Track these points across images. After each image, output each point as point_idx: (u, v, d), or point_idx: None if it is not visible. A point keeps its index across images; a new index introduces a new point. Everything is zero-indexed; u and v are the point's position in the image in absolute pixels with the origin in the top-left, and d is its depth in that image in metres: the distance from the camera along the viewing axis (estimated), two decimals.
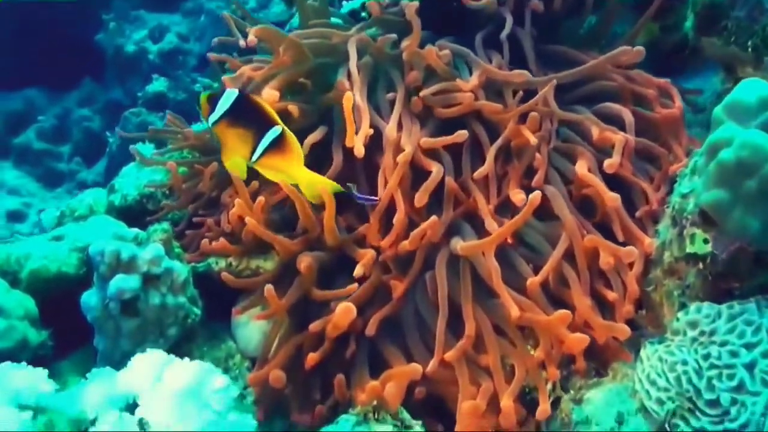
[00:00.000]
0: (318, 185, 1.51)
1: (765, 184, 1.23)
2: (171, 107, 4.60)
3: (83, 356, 1.64)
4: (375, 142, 1.68)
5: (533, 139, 1.61)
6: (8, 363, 1.24)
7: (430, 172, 1.62)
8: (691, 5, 1.88)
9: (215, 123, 1.45)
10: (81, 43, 5.00)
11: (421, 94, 1.71)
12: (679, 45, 2.14)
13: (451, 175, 1.67)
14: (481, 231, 1.63)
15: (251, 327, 1.63)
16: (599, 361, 1.49)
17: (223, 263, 1.67)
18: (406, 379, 1.41)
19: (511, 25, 1.82)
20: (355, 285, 1.53)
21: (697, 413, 1.27)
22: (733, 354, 1.26)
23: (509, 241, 1.60)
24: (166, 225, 1.62)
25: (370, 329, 1.52)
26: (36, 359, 1.39)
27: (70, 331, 1.63)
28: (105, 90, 5.27)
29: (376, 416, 1.34)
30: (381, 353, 1.56)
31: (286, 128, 1.46)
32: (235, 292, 1.65)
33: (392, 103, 1.73)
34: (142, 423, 1.15)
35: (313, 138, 1.71)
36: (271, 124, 1.45)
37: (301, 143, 1.66)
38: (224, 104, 1.44)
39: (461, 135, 1.62)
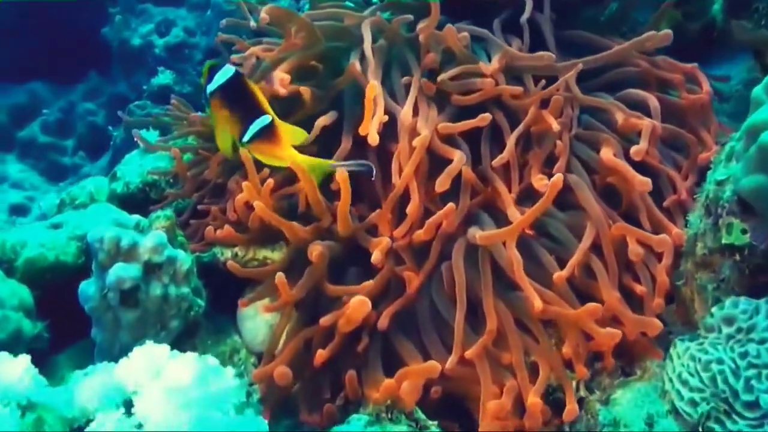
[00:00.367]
0: (311, 166, 1.49)
1: None
2: None
3: (81, 349, 1.57)
4: (389, 129, 1.60)
5: (556, 125, 1.53)
6: None
7: (447, 160, 1.54)
8: None
9: (210, 95, 1.47)
10: (87, 37, 4.97)
11: (440, 78, 1.62)
12: (702, 32, 2.07)
13: (469, 163, 1.59)
14: (499, 220, 1.55)
15: (258, 320, 1.56)
16: (626, 358, 1.41)
17: (228, 253, 1.60)
18: (423, 377, 1.33)
19: (531, 9, 1.74)
20: (370, 282, 1.45)
21: (734, 416, 1.19)
22: None
23: (529, 232, 1.52)
24: (169, 212, 1.54)
25: (383, 323, 1.44)
26: (31, 353, 1.31)
27: (68, 323, 1.55)
28: (111, 84, 5.23)
29: (390, 416, 1.27)
30: (395, 348, 1.48)
31: (275, 117, 1.47)
32: (242, 283, 1.57)
33: (407, 87, 1.65)
34: (140, 425, 1.06)
35: (323, 121, 1.63)
36: (260, 111, 1.47)
37: (311, 129, 1.59)
38: (220, 79, 1.47)
39: (484, 118, 1.54)
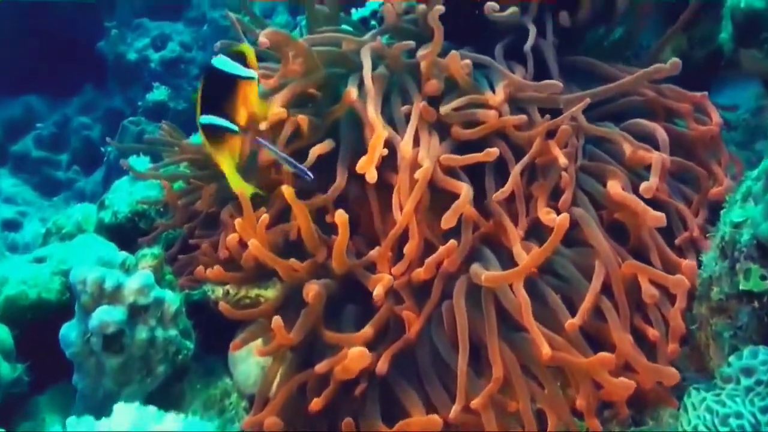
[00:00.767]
0: (233, 185, 1.44)
1: None
2: (171, 117, 4.52)
3: (63, 391, 1.50)
4: (388, 158, 1.53)
5: (563, 159, 1.46)
6: None
7: (448, 192, 1.48)
8: (729, 14, 1.74)
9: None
10: (83, 50, 4.96)
11: (443, 111, 1.56)
12: (709, 58, 2.02)
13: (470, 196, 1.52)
14: (502, 256, 1.49)
15: (251, 362, 1.48)
16: (637, 406, 1.34)
17: (220, 291, 1.52)
18: (424, 431, 1.26)
19: (534, 37, 1.68)
20: (368, 330, 1.38)
21: None
22: None
23: (534, 269, 1.45)
24: (156, 249, 1.47)
25: (382, 367, 1.37)
26: (9, 397, 1.24)
27: (51, 361, 1.47)
28: (106, 98, 5.21)
29: None
30: (394, 393, 1.41)
31: (236, 129, 1.41)
32: (234, 321, 1.50)
33: (408, 116, 1.59)
34: None
35: (319, 149, 1.57)
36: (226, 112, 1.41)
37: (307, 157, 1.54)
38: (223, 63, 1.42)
39: (490, 153, 1.47)
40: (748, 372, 1.18)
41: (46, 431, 1.21)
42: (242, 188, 1.43)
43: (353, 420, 1.37)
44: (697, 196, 1.57)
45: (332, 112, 1.66)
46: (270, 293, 1.53)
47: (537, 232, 1.53)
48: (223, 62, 1.43)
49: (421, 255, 1.48)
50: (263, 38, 1.57)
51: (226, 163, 1.41)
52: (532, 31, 1.70)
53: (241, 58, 1.44)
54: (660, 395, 1.32)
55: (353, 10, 2.34)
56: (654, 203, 1.49)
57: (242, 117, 1.43)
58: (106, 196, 1.91)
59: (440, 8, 1.56)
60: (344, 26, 1.96)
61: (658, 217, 1.40)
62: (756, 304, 1.19)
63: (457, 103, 1.55)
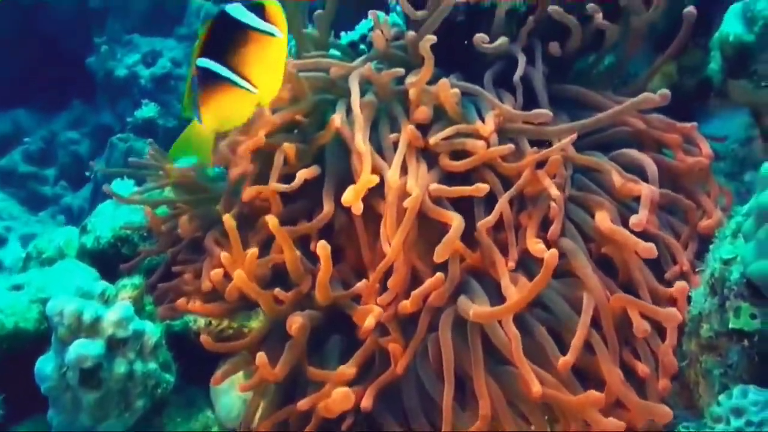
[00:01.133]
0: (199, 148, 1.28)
1: None
2: (160, 134, 4.50)
3: (40, 422, 1.45)
4: (375, 186, 1.51)
5: (555, 192, 1.44)
6: None
7: (435, 220, 1.46)
8: (718, 46, 1.74)
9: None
10: (72, 65, 4.93)
11: (432, 141, 1.54)
12: (698, 87, 2.02)
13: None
14: (489, 287, 1.47)
15: (233, 394, 1.45)
16: None
17: (202, 321, 1.49)
18: None
19: (524, 66, 1.67)
20: (353, 369, 1.35)
21: None
22: None
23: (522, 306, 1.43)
24: (137, 279, 1.44)
25: (367, 403, 1.34)
26: None
27: (29, 392, 1.43)
28: (95, 113, 5.18)
29: None
30: (380, 428, 1.38)
31: (241, 84, 1.23)
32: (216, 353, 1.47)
33: (396, 144, 1.57)
34: None
35: (304, 174, 1.54)
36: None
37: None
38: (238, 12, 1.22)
39: (481, 189, 1.45)
40: (737, 412, 1.16)
41: None
42: (208, 159, 1.30)
43: None
44: (686, 229, 1.55)
45: (318, 138, 1.65)
46: (253, 324, 1.50)
47: (525, 262, 1.51)
48: (239, 11, 1.21)
49: (408, 285, 1.46)
50: None
51: (208, 118, 1.22)
52: (522, 60, 1.69)
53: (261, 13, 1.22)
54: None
55: (342, 34, 2.34)
56: (643, 236, 1.48)
57: (256, 76, 1.22)
58: (88, 219, 1.88)
59: (432, 38, 1.55)
60: (333, 51, 1.95)
61: (649, 249, 1.38)
62: (746, 342, 1.18)
63: (446, 132, 1.53)
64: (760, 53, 1.66)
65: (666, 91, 1.60)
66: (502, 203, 1.49)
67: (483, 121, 1.58)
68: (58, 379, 1.28)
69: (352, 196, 1.40)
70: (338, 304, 1.48)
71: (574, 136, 1.52)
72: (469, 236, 1.52)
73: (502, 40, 1.67)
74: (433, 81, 1.60)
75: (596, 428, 1.25)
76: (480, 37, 1.65)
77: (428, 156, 1.60)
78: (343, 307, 1.48)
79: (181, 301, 1.46)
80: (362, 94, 1.62)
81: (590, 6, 1.74)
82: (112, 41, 5.02)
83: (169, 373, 1.40)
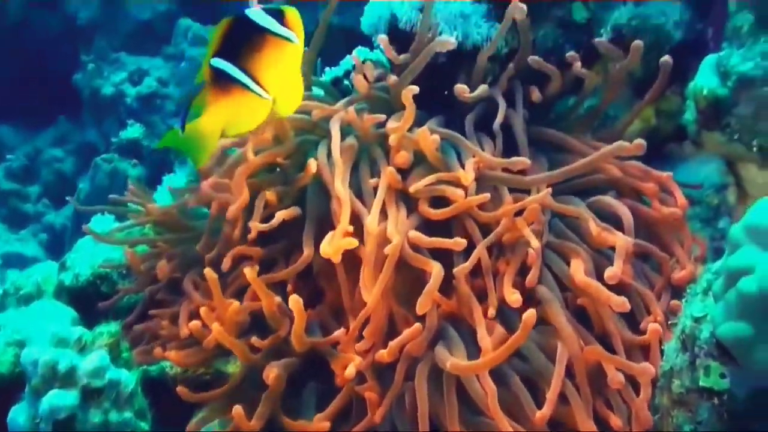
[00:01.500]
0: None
1: None
2: (145, 155, 4.49)
3: None
4: (355, 230, 1.52)
5: (535, 242, 1.46)
6: None
7: (411, 267, 1.47)
8: (692, 97, 1.78)
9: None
10: (58, 83, 4.92)
11: (412, 189, 1.56)
12: (674, 132, 2.05)
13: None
14: (466, 335, 1.48)
15: None
16: None
17: (178, 367, 1.49)
18: None
19: (504, 113, 1.69)
20: (327, 424, 1.36)
21: None
22: None
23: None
24: (114, 326, 1.44)
25: None
26: None
27: None
28: (80, 130, 5.16)
29: None
30: None
31: (253, 88, 1.21)
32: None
33: (376, 189, 1.58)
34: None
35: (283, 214, 1.55)
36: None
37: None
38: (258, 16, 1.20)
39: (459, 243, 1.47)
40: None
41: None
42: (203, 160, 1.28)
43: None
44: (660, 279, 1.58)
45: (299, 179, 1.66)
46: (231, 368, 1.50)
47: (502, 310, 1.52)
48: (258, 15, 1.19)
49: (386, 330, 1.47)
50: None
51: (212, 120, 1.20)
52: (502, 105, 1.71)
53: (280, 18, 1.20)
54: None
55: (326, 69, 2.35)
56: (617, 286, 1.50)
57: (270, 82, 1.20)
58: (68, 255, 1.87)
59: (414, 89, 1.57)
60: (316, 90, 1.96)
61: (622, 303, 1.40)
62: (716, 401, 1.19)
63: (426, 181, 1.55)
64: (733, 107, 1.69)
65: (641, 141, 1.62)
66: (479, 250, 1.51)
67: (463, 167, 1.60)
68: (31, 430, 1.27)
69: (330, 250, 1.41)
70: (317, 349, 1.48)
71: (549, 190, 1.54)
72: (447, 282, 1.53)
73: (482, 88, 1.70)
74: (415, 122, 1.62)
75: None
76: (461, 88, 1.67)
77: (407, 200, 1.62)
78: (322, 354, 1.48)
79: (158, 350, 1.46)
80: (343, 136, 1.64)
81: (569, 54, 1.77)
82: (99, 59, 5.02)
83: (144, 421, 1.39)
